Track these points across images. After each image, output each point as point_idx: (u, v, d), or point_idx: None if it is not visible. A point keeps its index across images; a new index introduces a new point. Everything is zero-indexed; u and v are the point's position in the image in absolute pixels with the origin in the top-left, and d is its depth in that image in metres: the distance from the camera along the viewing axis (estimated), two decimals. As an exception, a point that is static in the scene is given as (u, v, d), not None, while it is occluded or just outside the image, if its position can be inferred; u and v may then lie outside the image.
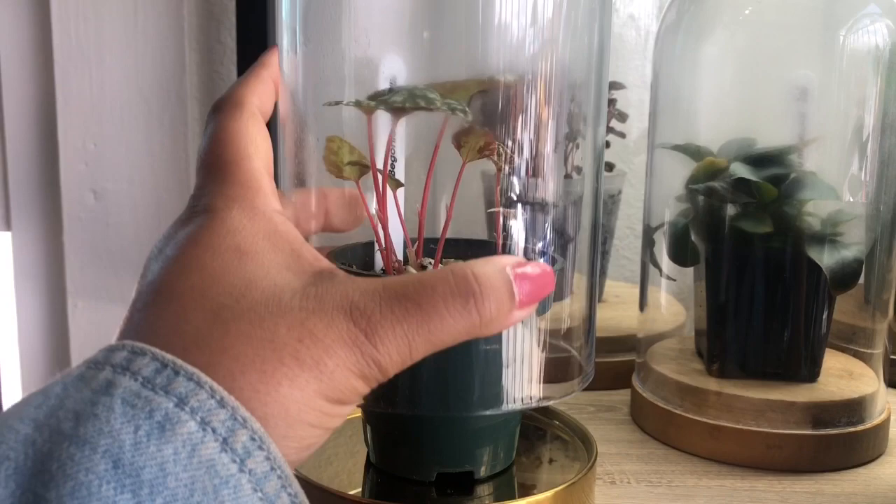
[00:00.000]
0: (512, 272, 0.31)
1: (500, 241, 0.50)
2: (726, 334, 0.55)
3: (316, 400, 0.27)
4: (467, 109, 0.41)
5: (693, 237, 0.56)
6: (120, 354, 0.25)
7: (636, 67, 0.73)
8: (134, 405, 0.24)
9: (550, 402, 0.45)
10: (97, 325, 0.94)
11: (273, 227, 0.31)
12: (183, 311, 0.27)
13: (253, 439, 0.25)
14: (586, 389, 0.65)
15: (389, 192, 0.47)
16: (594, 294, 0.50)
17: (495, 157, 0.48)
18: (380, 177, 0.45)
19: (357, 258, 0.49)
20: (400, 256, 0.47)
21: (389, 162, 0.49)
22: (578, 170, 0.74)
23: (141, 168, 0.92)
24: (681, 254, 0.56)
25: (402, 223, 0.47)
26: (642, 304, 0.62)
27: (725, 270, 0.54)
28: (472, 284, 0.29)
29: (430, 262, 0.47)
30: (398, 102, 0.39)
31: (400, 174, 0.49)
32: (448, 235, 0.77)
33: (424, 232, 0.48)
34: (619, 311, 0.73)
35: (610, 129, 0.72)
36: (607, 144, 0.73)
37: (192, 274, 0.28)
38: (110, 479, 0.23)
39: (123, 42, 0.89)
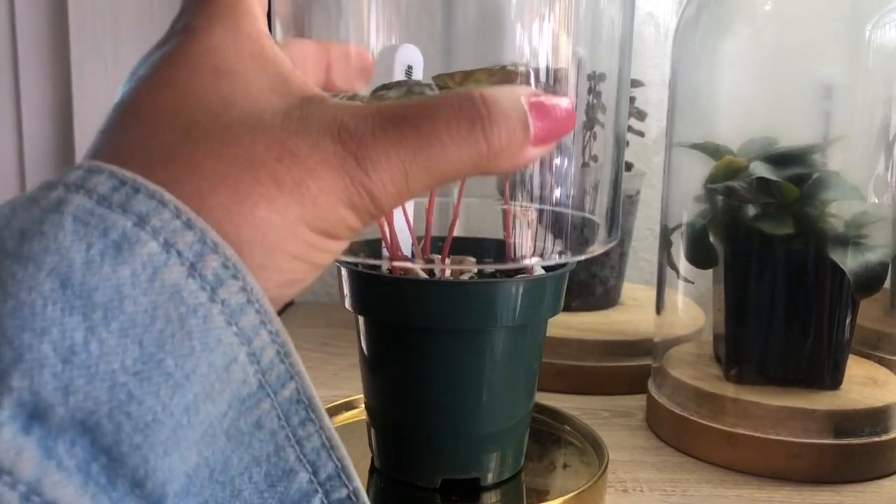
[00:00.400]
0: (527, 101, 0.26)
1: (510, 240, 0.48)
2: (745, 339, 0.54)
3: (298, 227, 0.24)
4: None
5: (711, 238, 0.54)
6: (75, 174, 0.22)
7: (656, 66, 0.71)
8: (87, 223, 0.21)
9: (565, 260, 0.43)
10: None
11: (259, 48, 0.27)
12: (151, 131, 0.24)
13: (225, 266, 0.22)
14: (601, 394, 0.64)
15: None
16: (620, 157, 0.47)
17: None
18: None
19: (364, 250, 0.48)
20: (407, 253, 0.46)
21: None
22: (595, 159, 0.72)
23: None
24: (698, 255, 0.55)
25: (408, 219, 0.45)
26: (659, 307, 0.60)
27: (744, 273, 0.53)
28: (480, 107, 0.25)
29: (437, 260, 0.46)
30: (392, 98, 0.38)
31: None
32: (462, 234, 0.75)
33: (433, 229, 0.47)
34: (636, 314, 0.71)
35: (628, 128, 0.70)
36: (627, 143, 0.72)
37: (163, 92, 0.25)
38: (57, 300, 0.20)
39: (139, 39, 0.88)
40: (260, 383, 0.23)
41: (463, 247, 0.51)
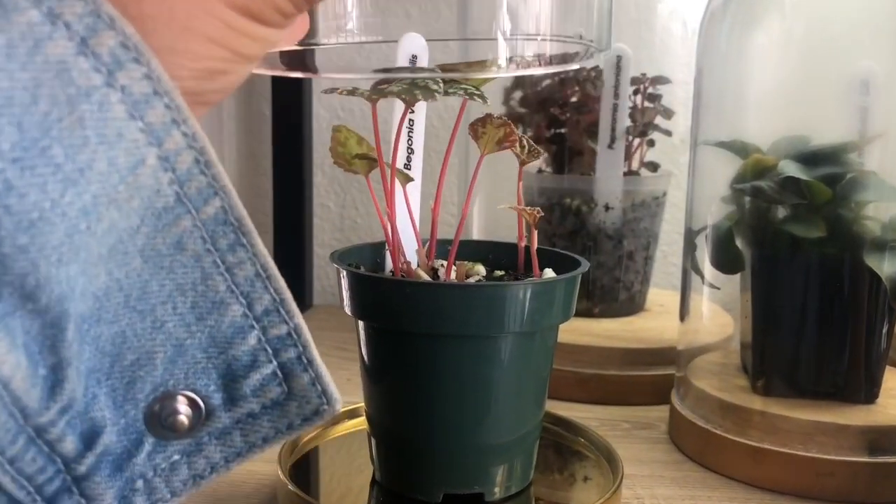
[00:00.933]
0: None
1: (523, 244, 0.46)
2: (773, 349, 0.51)
3: (214, 4, 0.21)
4: (481, 93, 0.38)
5: (738, 242, 0.51)
6: None
7: (685, 64, 0.68)
8: None
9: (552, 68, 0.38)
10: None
11: None
12: None
13: (125, 47, 0.19)
14: (623, 404, 0.61)
15: (400, 187, 0.44)
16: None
17: (517, 149, 0.45)
18: (388, 170, 0.42)
19: (365, 259, 0.46)
20: (411, 258, 0.44)
21: (404, 153, 0.45)
22: (653, 167, 0.69)
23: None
24: (724, 260, 0.52)
25: (413, 222, 0.43)
26: (683, 313, 0.57)
27: (773, 278, 0.50)
28: None
29: (443, 265, 0.43)
30: (394, 92, 0.35)
31: (418, 167, 0.46)
32: (478, 237, 0.73)
33: (438, 232, 0.44)
34: (661, 320, 0.68)
35: (654, 127, 0.68)
36: (652, 143, 0.69)
37: None
38: None
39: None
40: (178, 196, 0.20)
41: (473, 251, 0.49)
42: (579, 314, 0.68)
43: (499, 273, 0.46)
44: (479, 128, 0.44)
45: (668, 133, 0.68)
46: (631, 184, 0.67)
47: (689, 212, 0.55)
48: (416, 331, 0.39)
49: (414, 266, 0.43)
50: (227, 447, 0.23)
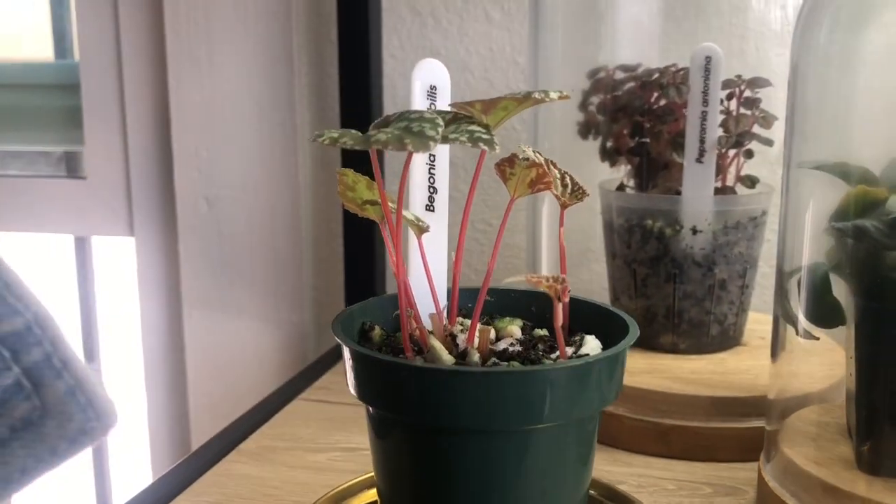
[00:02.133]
0: None
1: (566, 299, 0.39)
2: (882, 419, 0.42)
3: None
4: (491, 137, 0.31)
5: (838, 289, 0.42)
6: None
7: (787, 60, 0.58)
8: None
9: None
10: (211, 334, 0.91)
11: None
12: None
13: None
14: (708, 460, 0.53)
15: (414, 238, 0.38)
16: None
17: (557, 190, 0.38)
18: (401, 217, 0.36)
19: (385, 314, 0.41)
20: (427, 318, 0.38)
21: (424, 193, 0.39)
22: (751, 182, 0.60)
23: (252, 175, 0.88)
24: (819, 311, 0.43)
25: (430, 278, 0.37)
26: (775, 352, 0.48)
27: (881, 336, 0.41)
28: None
29: (464, 328, 0.37)
30: (380, 140, 0.30)
31: (443, 208, 0.39)
32: (548, 271, 0.66)
33: (460, 285, 0.38)
34: (759, 358, 0.60)
35: (753, 136, 0.58)
36: (750, 154, 0.60)
37: None
38: None
39: (233, 45, 0.85)
40: None
41: (514, 303, 0.42)
42: (663, 350, 0.61)
43: (539, 333, 0.40)
44: (506, 168, 0.37)
45: (768, 143, 0.59)
46: (723, 203, 0.58)
47: (782, 248, 0.47)
48: (432, 424, 0.33)
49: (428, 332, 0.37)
50: None
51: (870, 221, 0.39)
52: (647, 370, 0.58)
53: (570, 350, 0.36)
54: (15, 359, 0.17)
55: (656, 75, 0.60)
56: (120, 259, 0.99)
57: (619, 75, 0.63)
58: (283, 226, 0.89)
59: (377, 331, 0.39)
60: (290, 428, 0.59)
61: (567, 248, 0.48)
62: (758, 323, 0.65)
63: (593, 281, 0.74)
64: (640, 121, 0.60)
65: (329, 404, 0.64)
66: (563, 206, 0.38)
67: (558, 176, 0.38)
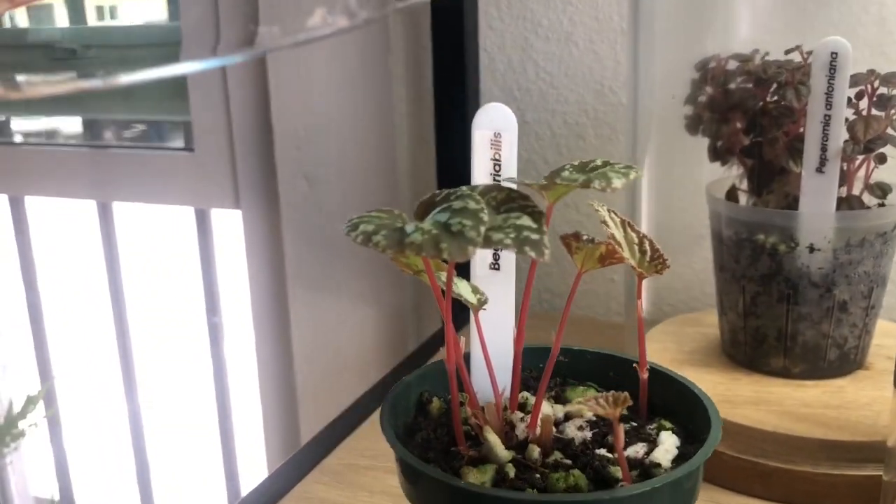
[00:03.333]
0: None
1: (645, 375, 0.35)
2: None
3: None
4: (540, 239, 0.27)
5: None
6: None
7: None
8: None
9: None
10: (315, 312, 0.91)
11: None
12: None
13: None
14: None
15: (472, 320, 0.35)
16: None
17: (633, 260, 0.34)
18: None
19: (446, 382, 0.38)
20: (486, 396, 0.35)
21: (492, 253, 0.36)
22: (882, 191, 0.52)
23: (350, 154, 0.86)
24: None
25: (488, 360, 0.34)
26: None
27: None
28: None
29: (525, 418, 0.34)
30: (414, 244, 0.26)
31: (508, 271, 0.36)
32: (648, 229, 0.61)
33: (520, 368, 0.35)
34: (884, 388, 0.53)
35: (886, 141, 0.51)
36: (882, 159, 0.53)
37: None
38: None
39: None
40: None
41: (588, 367, 0.38)
42: (773, 374, 0.56)
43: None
44: (571, 242, 0.33)
45: (905, 147, 0.51)
46: (846, 219, 0.52)
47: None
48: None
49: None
50: None
51: None
52: (752, 400, 0.53)
53: (641, 449, 0.32)
54: None
55: (774, 69, 0.53)
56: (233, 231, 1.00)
57: (732, 65, 0.56)
58: (380, 204, 0.87)
59: (435, 403, 0.37)
60: (374, 441, 0.58)
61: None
62: (890, 337, 0.59)
63: (707, 271, 0.68)
64: (756, 113, 0.54)
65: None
66: (640, 278, 0.34)
67: (636, 241, 0.34)
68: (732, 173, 0.58)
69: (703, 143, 0.58)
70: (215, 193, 0.95)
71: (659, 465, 0.31)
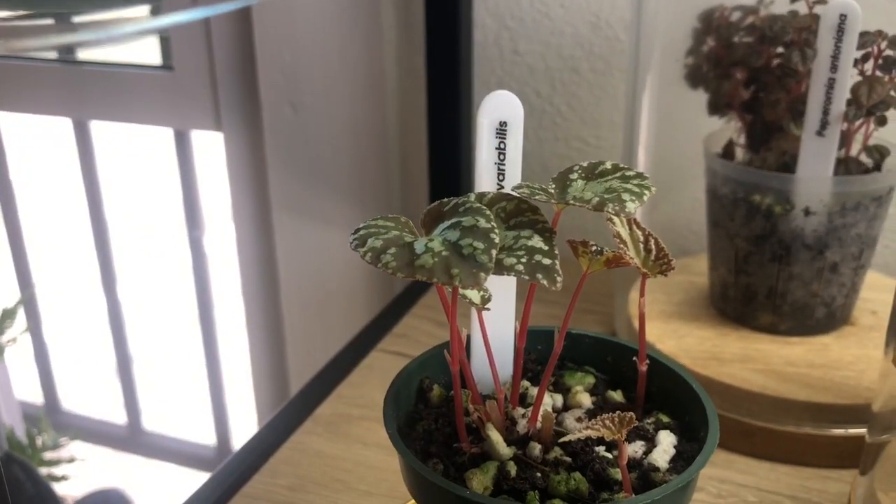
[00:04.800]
0: None
1: (644, 367, 0.36)
2: None
3: None
4: (552, 264, 0.27)
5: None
6: None
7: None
8: None
9: None
10: (300, 238, 0.91)
11: None
12: None
13: None
14: (794, 464, 0.50)
15: (474, 316, 0.35)
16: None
17: (638, 259, 0.34)
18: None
19: (447, 369, 0.38)
20: (489, 390, 0.35)
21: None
22: (879, 153, 0.51)
23: (337, 82, 0.83)
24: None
25: (490, 356, 0.34)
26: (891, 337, 0.42)
27: None
28: None
29: (526, 413, 0.34)
30: (424, 268, 0.26)
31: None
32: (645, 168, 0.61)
33: (521, 370, 0.35)
34: (867, 346, 0.55)
35: (889, 105, 0.50)
36: (882, 121, 0.52)
37: None
38: None
39: None
40: None
41: (587, 351, 0.39)
42: (761, 329, 0.56)
43: (612, 398, 0.37)
44: (578, 247, 0.33)
45: (907, 110, 0.51)
46: (843, 184, 0.51)
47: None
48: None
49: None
50: None
51: None
52: (740, 357, 0.54)
53: (640, 448, 0.33)
54: None
55: (779, 26, 0.51)
56: (214, 153, 0.98)
57: (736, 16, 0.54)
58: (369, 135, 0.86)
59: (436, 391, 0.37)
60: (366, 389, 0.59)
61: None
62: (873, 290, 0.59)
63: (695, 210, 0.68)
64: (759, 70, 0.53)
65: (406, 358, 0.63)
66: (645, 277, 0.34)
67: (641, 239, 0.34)
68: (731, 126, 0.57)
69: (704, 96, 0.57)
70: (196, 115, 0.93)
71: (657, 468, 0.32)
